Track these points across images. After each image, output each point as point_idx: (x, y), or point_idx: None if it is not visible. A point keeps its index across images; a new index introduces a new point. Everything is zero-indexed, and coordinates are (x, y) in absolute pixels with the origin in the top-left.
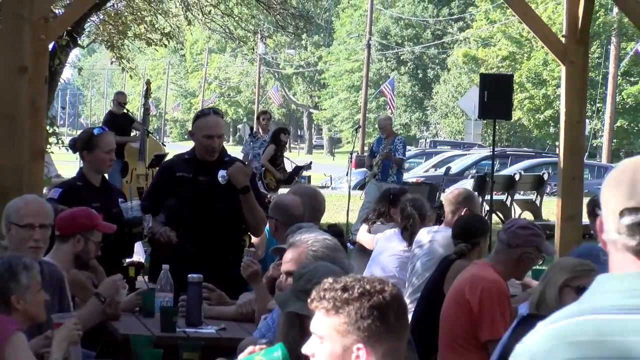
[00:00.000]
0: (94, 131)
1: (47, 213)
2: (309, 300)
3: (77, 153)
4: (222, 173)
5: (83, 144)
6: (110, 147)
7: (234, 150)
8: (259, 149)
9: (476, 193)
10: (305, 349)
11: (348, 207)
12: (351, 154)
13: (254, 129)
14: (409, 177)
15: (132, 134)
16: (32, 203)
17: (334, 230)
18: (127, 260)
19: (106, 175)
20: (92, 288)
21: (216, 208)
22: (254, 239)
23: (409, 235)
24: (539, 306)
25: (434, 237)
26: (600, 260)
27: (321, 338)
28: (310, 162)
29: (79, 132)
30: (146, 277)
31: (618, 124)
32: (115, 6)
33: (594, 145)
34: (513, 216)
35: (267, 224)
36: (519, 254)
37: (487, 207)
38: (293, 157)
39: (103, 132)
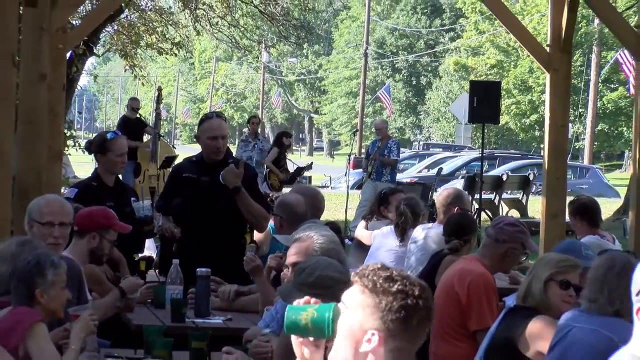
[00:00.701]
0: (107, 135)
1: (67, 212)
2: (352, 274)
3: (92, 155)
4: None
5: (97, 147)
6: (122, 151)
7: (235, 152)
8: (251, 151)
9: (466, 192)
10: (330, 356)
11: (346, 206)
12: (349, 155)
13: (250, 135)
14: (403, 177)
15: (144, 137)
16: (53, 202)
17: (332, 227)
18: (139, 255)
19: (120, 176)
20: (107, 282)
21: (217, 206)
22: (257, 236)
23: (400, 231)
24: (525, 298)
25: (427, 233)
26: (582, 255)
27: (347, 307)
28: (311, 163)
29: (94, 135)
30: (157, 271)
31: (599, 127)
32: (129, 17)
33: (577, 147)
34: (501, 214)
35: (272, 221)
36: (506, 249)
37: (476, 206)
38: (295, 159)
39: (116, 137)
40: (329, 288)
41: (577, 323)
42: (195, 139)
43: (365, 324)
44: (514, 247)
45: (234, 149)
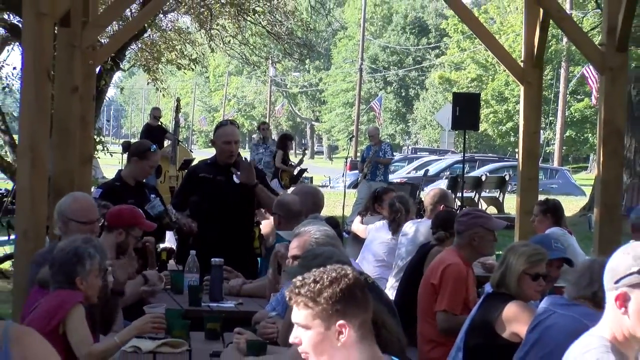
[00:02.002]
0: (151, 147)
1: (96, 210)
2: (287, 298)
3: (126, 154)
4: (238, 174)
5: (138, 152)
6: (155, 164)
7: (249, 155)
8: (262, 154)
9: (450, 192)
10: (291, 339)
11: (344, 203)
12: (346, 159)
13: (260, 139)
14: (394, 178)
15: (165, 143)
16: (87, 202)
17: (331, 221)
18: (161, 246)
19: None
20: (134, 274)
21: (230, 203)
22: (264, 230)
23: (396, 225)
24: (499, 286)
25: (417, 227)
26: (552, 247)
27: (305, 327)
28: (306, 169)
29: (121, 140)
30: (176, 261)
31: (567, 134)
32: (151, 37)
33: (547, 151)
34: None
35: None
36: (469, 236)
37: (459, 203)
38: (294, 160)
39: (156, 151)
40: None
41: (558, 309)
42: (210, 144)
43: (328, 324)
44: (474, 232)
45: (245, 154)
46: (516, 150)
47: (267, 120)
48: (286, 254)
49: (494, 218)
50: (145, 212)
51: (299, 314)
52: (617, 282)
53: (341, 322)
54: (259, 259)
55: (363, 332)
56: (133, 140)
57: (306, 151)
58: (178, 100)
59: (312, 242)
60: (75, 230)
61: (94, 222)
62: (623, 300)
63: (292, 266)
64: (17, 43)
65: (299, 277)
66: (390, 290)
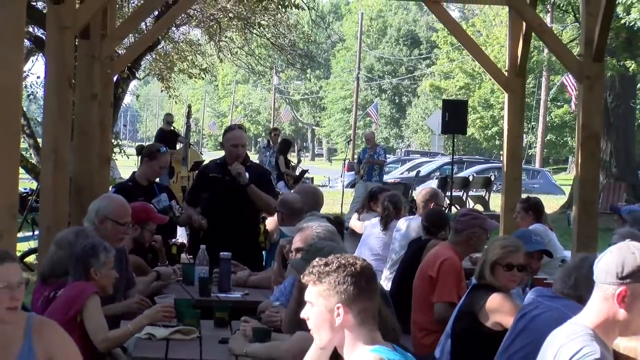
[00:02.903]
0: (160, 148)
1: (130, 214)
2: (302, 277)
3: (140, 156)
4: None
5: (149, 153)
6: (164, 165)
7: (254, 157)
8: (271, 156)
9: (440, 190)
10: (302, 314)
11: (342, 201)
12: (344, 161)
13: (269, 143)
14: (388, 178)
15: (177, 146)
16: (126, 206)
17: (336, 220)
18: (172, 240)
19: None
20: (148, 267)
21: (237, 201)
22: (269, 226)
23: (384, 223)
24: (480, 277)
25: (409, 224)
26: (532, 240)
27: (311, 303)
28: (307, 170)
29: (137, 143)
30: (187, 255)
31: (548, 138)
32: (165, 48)
33: (530, 154)
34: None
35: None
36: (467, 235)
37: (448, 201)
38: (294, 162)
39: (165, 152)
40: None
41: (544, 301)
42: (220, 146)
43: (328, 305)
44: (472, 231)
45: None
46: (501, 152)
47: (271, 126)
48: (290, 247)
49: (489, 219)
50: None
51: (309, 290)
52: (621, 278)
53: (339, 304)
54: (264, 252)
55: (364, 318)
56: (147, 144)
57: (302, 157)
58: (189, 106)
59: (315, 236)
60: (110, 229)
61: (129, 223)
62: (624, 296)
63: (295, 258)
64: (41, 54)
65: (316, 260)
66: (385, 281)
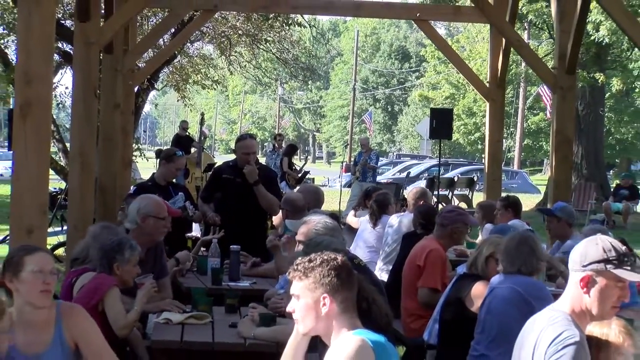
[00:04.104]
0: (176, 152)
1: (166, 210)
2: (287, 274)
3: (158, 159)
4: None
5: (166, 156)
6: (180, 167)
7: (261, 160)
8: (276, 159)
9: (428, 190)
10: (288, 308)
11: (340, 199)
12: (342, 163)
13: (274, 147)
14: (381, 178)
15: (191, 150)
16: (162, 203)
17: (332, 216)
18: (188, 234)
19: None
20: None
21: (247, 200)
22: (275, 221)
23: (373, 220)
24: (471, 267)
25: (401, 220)
26: None
27: (297, 297)
28: (308, 171)
29: (156, 148)
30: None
31: (525, 142)
32: (180, 62)
33: (509, 157)
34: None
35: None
36: (450, 229)
37: (435, 199)
38: (299, 165)
39: (181, 156)
40: None
41: (498, 285)
42: (232, 151)
43: (315, 296)
44: (456, 226)
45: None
46: (483, 155)
47: (277, 132)
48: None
49: (471, 216)
50: None
51: (294, 285)
52: (585, 266)
53: (325, 295)
54: None
55: (345, 307)
56: (164, 148)
57: (308, 157)
58: (202, 114)
59: (314, 230)
60: (152, 225)
61: (167, 217)
62: (587, 282)
63: (298, 250)
64: (69, 67)
65: (299, 258)
66: (379, 272)
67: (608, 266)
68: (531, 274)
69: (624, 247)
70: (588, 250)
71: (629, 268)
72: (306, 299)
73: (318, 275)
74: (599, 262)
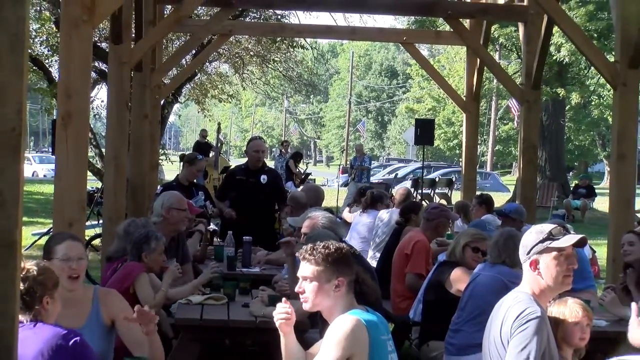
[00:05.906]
0: (197, 156)
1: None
2: (300, 255)
3: (181, 162)
4: (263, 177)
5: (188, 160)
6: (200, 169)
7: (269, 164)
8: (282, 163)
9: (413, 189)
10: (297, 289)
11: (337, 197)
12: (339, 166)
13: (281, 152)
14: (373, 179)
15: (210, 155)
16: (182, 197)
17: (329, 212)
18: (206, 228)
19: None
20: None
21: (257, 199)
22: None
23: (364, 207)
24: (450, 254)
25: (390, 214)
26: (487, 229)
27: (310, 279)
28: (310, 173)
29: (179, 153)
30: (218, 239)
31: (496, 148)
32: (200, 79)
33: (482, 160)
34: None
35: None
36: (435, 223)
37: (419, 197)
38: (302, 167)
39: (202, 159)
40: None
41: (483, 271)
42: (244, 153)
43: (329, 278)
44: (440, 220)
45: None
46: (460, 159)
47: (284, 139)
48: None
49: (452, 212)
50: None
51: (308, 269)
52: (528, 253)
53: (341, 278)
54: (278, 236)
55: (349, 288)
56: (187, 153)
57: (308, 163)
58: (219, 124)
59: (321, 223)
60: (175, 216)
61: (187, 209)
62: (535, 266)
63: (302, 241)
64: (104, 83)
65: (311, 244)
66: (370, 259)
67: (545, 243)
68: (513, 266)
69: (553, 226)
70: (526, 240)
71: (561, 237)
72: (319, 281)
73: (332, 260)
74: (536, 244)
